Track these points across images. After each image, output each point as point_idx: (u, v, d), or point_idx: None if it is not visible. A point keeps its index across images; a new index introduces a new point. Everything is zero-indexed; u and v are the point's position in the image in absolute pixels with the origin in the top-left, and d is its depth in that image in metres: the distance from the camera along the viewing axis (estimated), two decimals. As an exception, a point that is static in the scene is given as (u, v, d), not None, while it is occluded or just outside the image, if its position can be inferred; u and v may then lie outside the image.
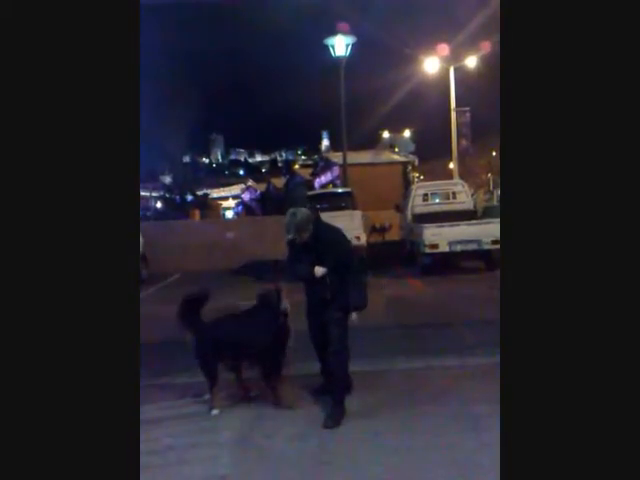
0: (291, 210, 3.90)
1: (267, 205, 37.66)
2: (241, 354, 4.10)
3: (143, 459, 3.26)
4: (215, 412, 4.00)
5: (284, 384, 4.01)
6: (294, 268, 4.01)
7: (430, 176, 31.59)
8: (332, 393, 3.85)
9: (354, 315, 3.95)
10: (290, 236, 3.87)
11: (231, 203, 55.92)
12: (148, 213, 45.66)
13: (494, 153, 35.31)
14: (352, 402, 3.91)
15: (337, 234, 4.00)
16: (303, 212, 3.88)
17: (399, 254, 13.43)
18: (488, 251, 10.55)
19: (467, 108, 22.99)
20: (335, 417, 3.67)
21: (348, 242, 4.12)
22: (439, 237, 10.63)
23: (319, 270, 3.82)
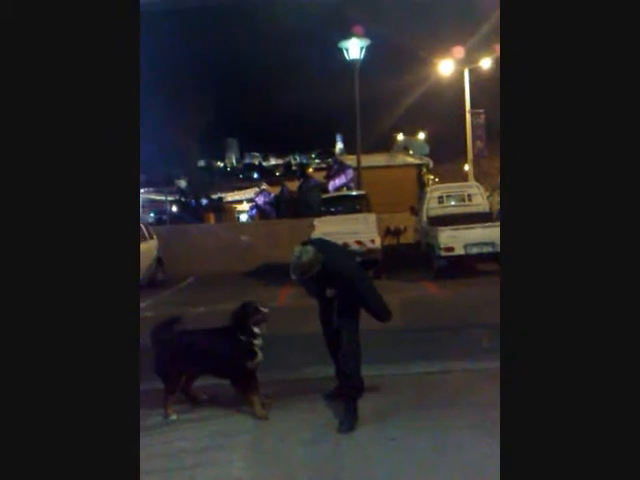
0: (297, 251, 3.74)
1: (281, 208, 37.71)
2: (198, 369, 4.18)
3: (158, 462, 3.28)
4: (173, 417, 4.01)
5: (255, 396, 3.95)
6: (305, 288, 4.10)
7: (445, 178, 31.36)
8: (344, 397, 3.83)
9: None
10: (294, 277, 3.80)
11: (245, 206, 56.12)
12: (164, 217, 46.04)
13: (510, 155, 34.92)
14: (367, 406, 3.88)
15: (346, 269, 3.85)
16: (309, 254, 3.68)
17: (414, 257, 13.35)
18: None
19: (482, 110, 22.81)
20: (349, 421, 3.64)
21: (358, 271, 3.96)
22: (454, 239, 10.56)
23: (329, 292, 3.87)
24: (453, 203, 13.06)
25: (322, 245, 3.93)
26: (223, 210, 49.44)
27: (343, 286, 3.84)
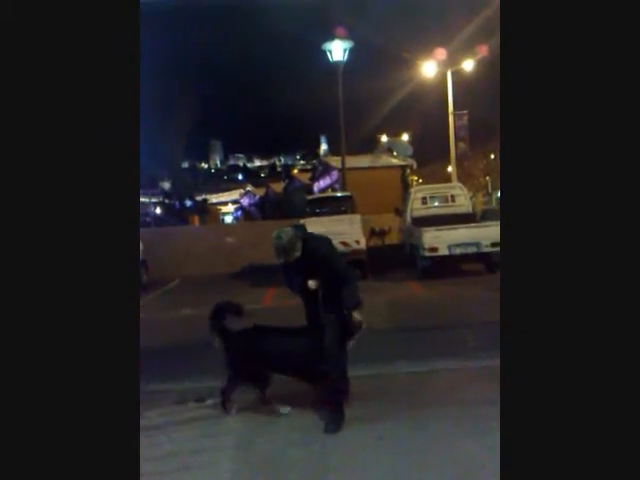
0: (275, 233, 3.84)
1: (266, 210, 37.64)
2: (275, 368, 4.08)
3: (145, 465, 3.25)
4: (233, 411, 4.01)
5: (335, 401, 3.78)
6: (288, 282, 4.09)
7: (429, 179, 31.63)
8: (331, 397, 3.83)
9: (356, 316, 3.85)
10: (282, 259, 3.85)
11: (230, 208, 55.92)
12: (148, 219, 45.70)
13: (492, 156, 35.34)
14: (355, 406, 3.90)
15: (325, 247, 3.95)
16: (288, 233, 3.81)
17: (399, 257, 13.43)
18: (487, 254, 10.56)
19: (465, 111, 23.02)
20: (335, 422, 3.65)
21: (336, 252, 4.07)
22: (438, 240, 10.64)
23: (312, 283, 3.86)
24: (437, 204, 13.17)
25: (299, 227, 4.00)
26: (207, 212, 49.20)
27: (324, 270, 3.84)
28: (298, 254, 3.82)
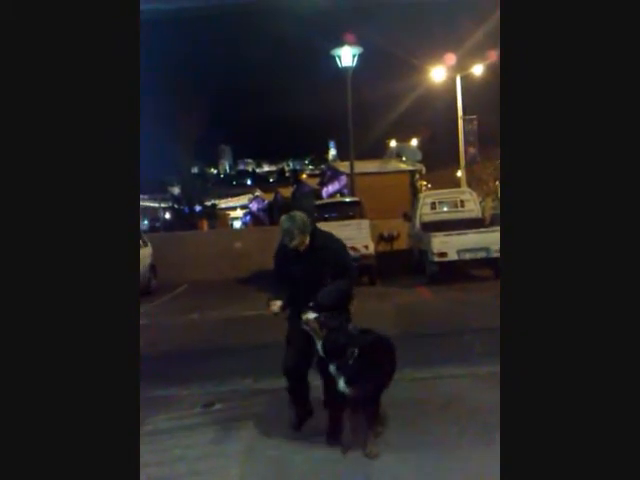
0: (286, 216, 3.55)
1: (275, 215, 37.74)
2: None
3: (152, 470, 3.27)
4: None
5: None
6: (273, 287, 3.79)
7: (438, 184, 31.51)
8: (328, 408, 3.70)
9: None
10: (295, 242, 3.53)
11: (239, 213, 56.10)
12: (157, 224, 45.94)
13: (502, 161, 35.20)
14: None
15: (337, 242, 3.72)
16: (300, 215, 3.54)
17: (407, 263, 13.40)
18: (496, 259, 10.51)
19: (474, 116, 22.97)
20: (332, 434, 3.55)
21: (346, 248, 3.83)
22: (447, 245, 10.62)
23: (309, 315, 3.41)
24: (446, 209, 13.14)
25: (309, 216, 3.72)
26: (216, 217, 49.33)
27: (332, 266, 3.55)
28: (307, 243, 3.56)
